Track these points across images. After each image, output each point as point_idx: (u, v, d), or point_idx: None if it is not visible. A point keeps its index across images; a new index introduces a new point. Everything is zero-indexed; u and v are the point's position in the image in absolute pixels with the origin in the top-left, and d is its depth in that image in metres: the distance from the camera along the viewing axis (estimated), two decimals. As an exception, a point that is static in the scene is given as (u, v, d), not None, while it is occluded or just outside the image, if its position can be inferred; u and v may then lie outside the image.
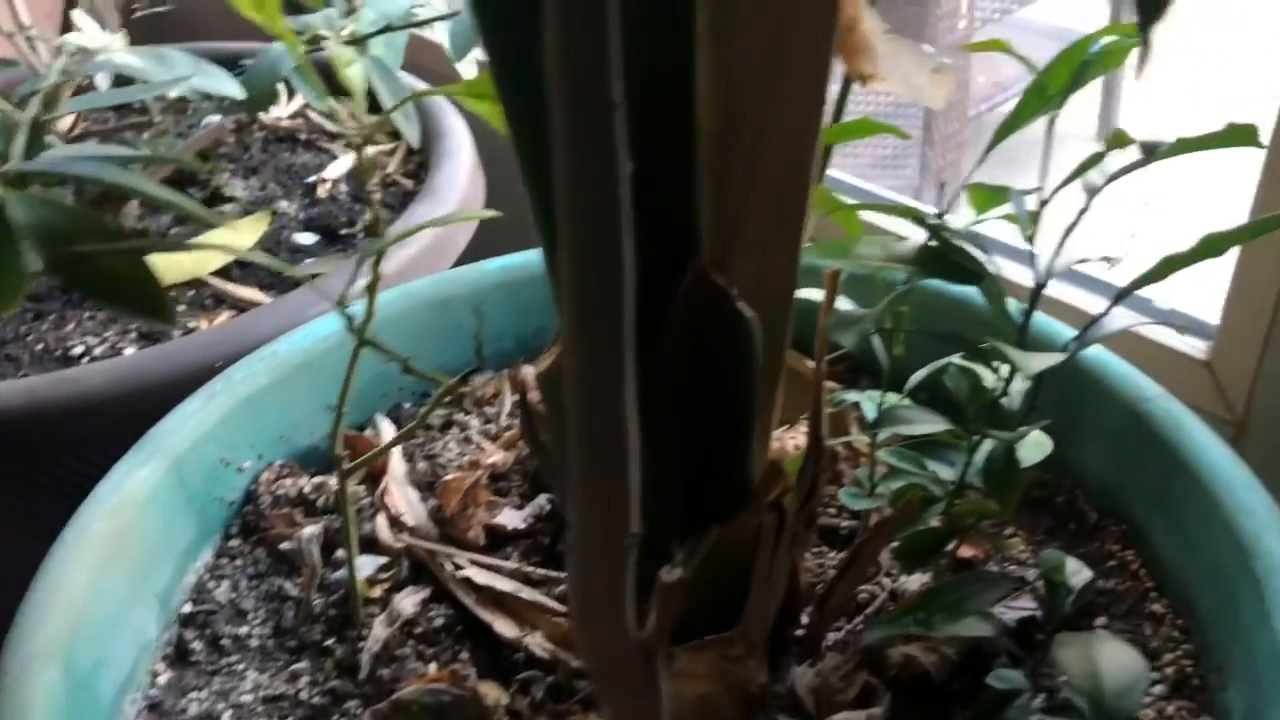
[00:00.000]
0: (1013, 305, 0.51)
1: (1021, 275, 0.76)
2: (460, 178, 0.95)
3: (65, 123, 1.03)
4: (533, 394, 0.54)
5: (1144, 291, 0.76)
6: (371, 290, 0.50)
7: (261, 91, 0.75)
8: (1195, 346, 0.74)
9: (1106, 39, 0.47)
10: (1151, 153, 0.40)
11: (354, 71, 0.55)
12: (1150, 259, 0.47)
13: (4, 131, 0.46)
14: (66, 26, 0.89)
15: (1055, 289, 0.77)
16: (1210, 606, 0.55)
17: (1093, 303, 0.78)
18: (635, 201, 0.47)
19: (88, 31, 0.72)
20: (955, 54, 2.29)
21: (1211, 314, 0.73)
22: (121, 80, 0.82)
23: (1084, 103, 2.45)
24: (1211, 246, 0.42)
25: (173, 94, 0.84)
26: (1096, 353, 0.64)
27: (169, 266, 0.87)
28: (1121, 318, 0.50)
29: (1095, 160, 0.43)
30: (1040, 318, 0.66)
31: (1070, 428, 0.65)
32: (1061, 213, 0.49)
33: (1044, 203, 0.45)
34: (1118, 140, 0.42)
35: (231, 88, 0.66)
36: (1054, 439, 0.63)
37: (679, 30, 0.42)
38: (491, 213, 0.52)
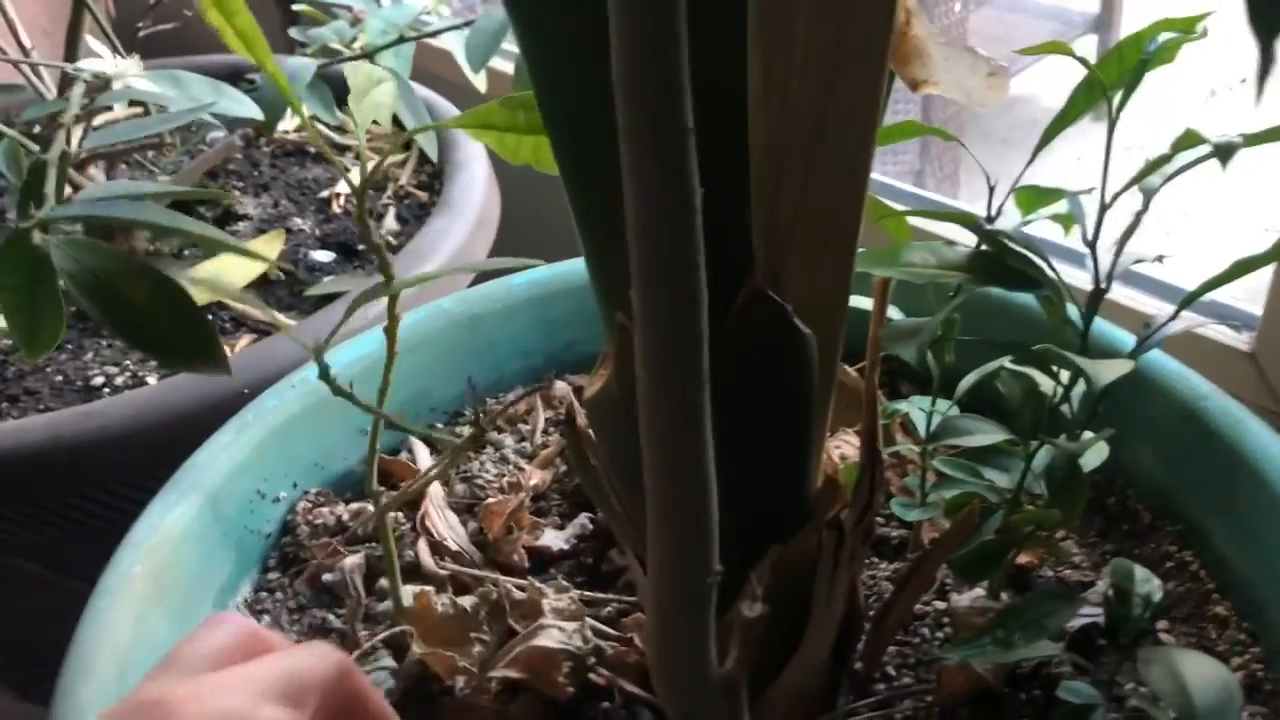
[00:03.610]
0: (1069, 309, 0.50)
1: (1067, 274, 0.74)
2: (475, 189, 0.93)
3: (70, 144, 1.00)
4: (580, 418, 0.53)
5: (1179, 284, 0.75)
6: (390, 333, 0.48)
7: (277, 112, 0.74)
8: (1238, 338, 0.72)
9: (1163, 35, 0.46)
10: (1228, 153, 0.38)
11: (384, 91, 0.53)
12: (1194, 254, 0.46)
13: (29, 170, 0.44)
14: (69, 46, 0.87)
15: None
16: (1281, 609, 0.53)
17: (1134, 298, 0.76)
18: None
19: (103, 57, 0.70)
20: (949, 34, 2.29)
21: (1253, 305, 0.72)
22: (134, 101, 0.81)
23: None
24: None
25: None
26: (1148, 352, 0.62)
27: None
28: (1178, 318, 0.49)
29: (1161, 162, 0.42)
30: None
31: (1121, 427, 0.64)
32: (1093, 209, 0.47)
33: (1106, 206, 0.44)
34: (1188, 140, 0.40)
35: (251, 110, 0.64)
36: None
37: (730, 44, 0.40)
38: (507, 261, 0.51)
